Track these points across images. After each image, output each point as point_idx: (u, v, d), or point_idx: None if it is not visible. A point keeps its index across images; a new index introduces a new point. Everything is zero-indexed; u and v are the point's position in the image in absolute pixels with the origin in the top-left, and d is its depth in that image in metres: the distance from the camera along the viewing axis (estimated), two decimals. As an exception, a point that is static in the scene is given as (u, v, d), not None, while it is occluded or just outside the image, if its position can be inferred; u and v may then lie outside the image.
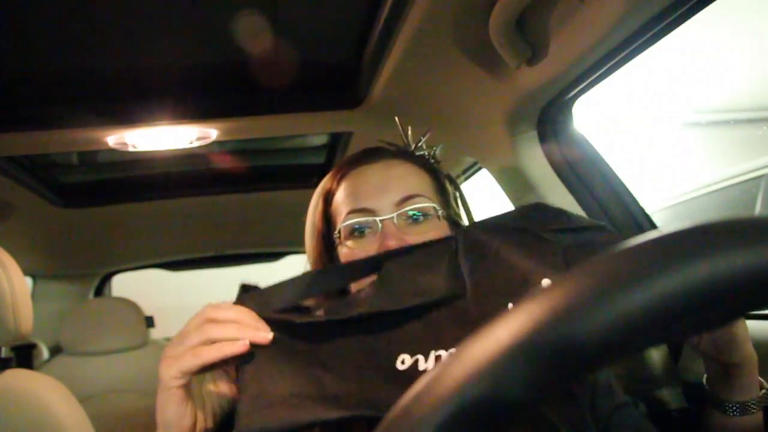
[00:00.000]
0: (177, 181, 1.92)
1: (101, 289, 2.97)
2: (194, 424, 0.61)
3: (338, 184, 0.82)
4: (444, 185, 0.84)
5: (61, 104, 1.22)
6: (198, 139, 1.38)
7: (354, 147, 1.60)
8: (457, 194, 0.87)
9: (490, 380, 0.22)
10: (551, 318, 0.22)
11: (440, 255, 0.69)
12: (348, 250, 0.78)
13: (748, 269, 0.22)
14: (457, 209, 0.85)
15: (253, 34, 1.05)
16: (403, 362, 0.63)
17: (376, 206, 0.77)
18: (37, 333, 2.20)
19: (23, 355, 1.86)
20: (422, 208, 0.77)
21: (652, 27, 0.81)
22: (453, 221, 0.82)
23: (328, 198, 0.84)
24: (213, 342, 0.60)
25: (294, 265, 2.89)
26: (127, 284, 3.07)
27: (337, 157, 1.75)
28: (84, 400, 1.59)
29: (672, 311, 0.22)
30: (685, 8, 0.77)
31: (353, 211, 0.78)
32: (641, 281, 0.22)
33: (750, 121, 4.41)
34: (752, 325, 0.94)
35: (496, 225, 0.69)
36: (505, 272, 0.64)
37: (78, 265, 2.73)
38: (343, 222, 0.78)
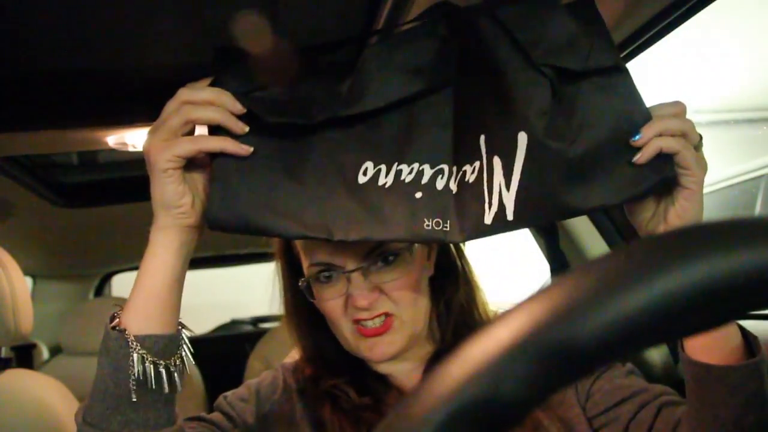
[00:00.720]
0: (177, 181, 1.92)
1: (101, 289, 2.97)
2: (193, 201, 0.62)
3: None
4: None
5: (61, 104, 1.22)
6: (198, 139, 1.38)
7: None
8: None
9: (490, 380, 0.22)
10: (551, 318, 0.22)
11: (425, 41, 0.64)
12: (318, 299, 0.75)
13: (749, 269, 0.22)
14: None
15: (253, 35, 1.04)
16: (365, 173, 0.61)
17: (338, 261, 0.72)
18: (37, 333, 2.20)
19: (23, 355, 1.86)
20: (392, 251, 0.71)
21: (652, 27, 0.81)
22: None
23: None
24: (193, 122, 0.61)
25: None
26: (127, 284, 3.06)
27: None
28: (84, 399, 1.58)
29: (672, 311, 0.22)
30: (685, 8, 0.77)
31: (315, 265, 0.73)
32: (641, 281, 0.22)
33: (750, 121, 4.41)
34: (752, 325, 0.94)
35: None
36: (496, 64, 0.59)
37: (78, 265, 2.73)
38: (308, 270, 0.74)
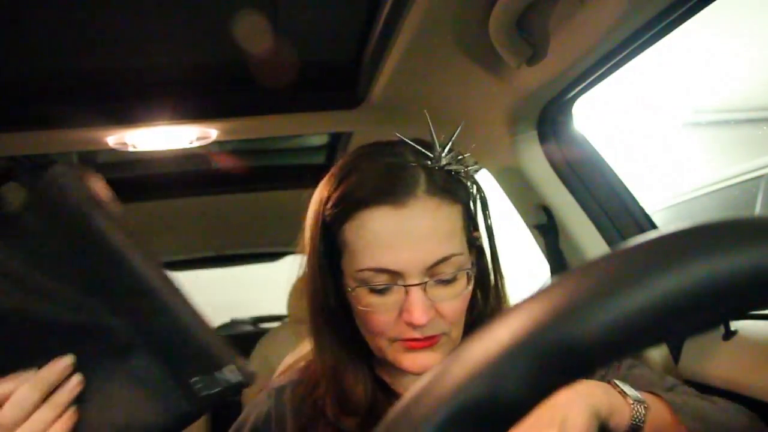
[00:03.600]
0: (177, 181, 1.92)
1: (101, 289, 2.97)
2: None
3: (349, 214, 0.66)
4: (470, 207, 0.72)
5: (61, 104, 1.22)
6: (198, 139, 1.38)
7: (354, 147, 1.60)
8: (480, 202, 0.74)
9: (490, 380, 0.22)
10: (551, 318, 0.22)
11: None
12: (359, 301, 0.68)
13: (749, 269, 0.22)
14: (475, 218, 0.74)
15: (253, 34, 1.05)
16: None
17: (403, 268, 0.64)
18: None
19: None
20: (455, 270, 0.66)
21: (652, 27, 0.81)
22: (475, 246, 0.72)
23: (331, 223, 0.69)
24: None
25: (294, 265, 2.88)
26: (127, 284, 3.06)
27: (337, 157, 1.75)
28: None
29: (672, 311, 0.22)
30: (685, 8, 0.77)
31: (373, 270, 0.65)
32: (641, 281, 0.22)
33: (750, 121, 4.41)
34: (752, 325, 0.94)
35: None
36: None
37: (78, 265, 2.72)
38: (358, 273, 0.66)
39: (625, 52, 0.88)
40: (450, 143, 0.71)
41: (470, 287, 0.69)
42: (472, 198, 0.72)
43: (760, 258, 0.22)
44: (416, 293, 0.65)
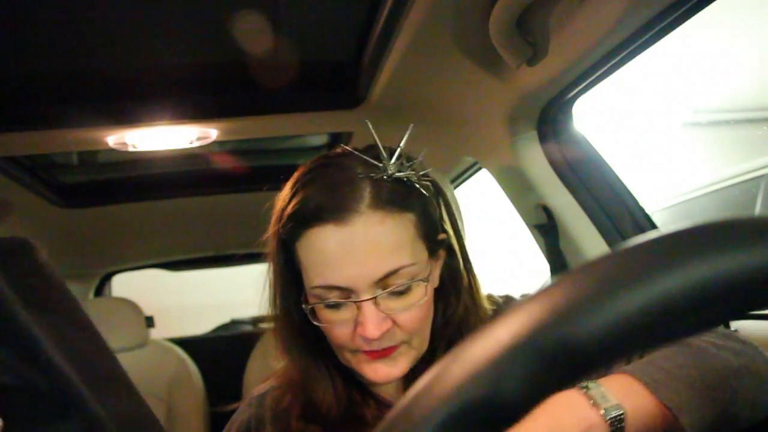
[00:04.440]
0: (177, 181, 1.92)
1: (101, 289, 2.97)
2: None
3: (298, 232, 0.66)
4: (428, 212, 0.70)
5: (61, 104, 1.22)
6: (198, 139, 1.38)
7: (354, 147, 1.60)
8: (443, 205, 0.74)
9: (490, 380, 0.22)
10: (551, 318, 0.22)
11: None
12: (323, 324, 0.68)
13: (748, 269, 0.22)
14: (444, 224, 0.73)
15: (253, 34, 1.05)
16: None
17: (352, 284, 0.64)
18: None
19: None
20: (407, 281, 0.66)
21: (652, 27, 0.81)
22: (439, 242, 0.71)
23: (287, 239, 0.69)
24: None
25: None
26: (127, 284, 3.07)
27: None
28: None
29: (672, 311, 0.22)
30: (685, 8, 0.77)
31: (323, 287, 0.65)
32: (641, 281, 0.22)
33: (750, 121, 4.41)
34: (752, 325, 0.94)
35: None
36: None
37: (78, 265, 2.73)
38: (312, 290, 0.67)
39: (625, 52, 0.88)
40: (399, 150, 0.70)
41: (427, 297, 0.68)
42: (428, 202, 0.70)
43: (760, 258, 0.22)
44: (368, 308, 0.65)
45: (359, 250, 0.64)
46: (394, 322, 0.67)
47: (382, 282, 0.65)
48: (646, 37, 0.84)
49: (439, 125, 1.32)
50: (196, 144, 1.40)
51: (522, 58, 0.94)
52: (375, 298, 0.65)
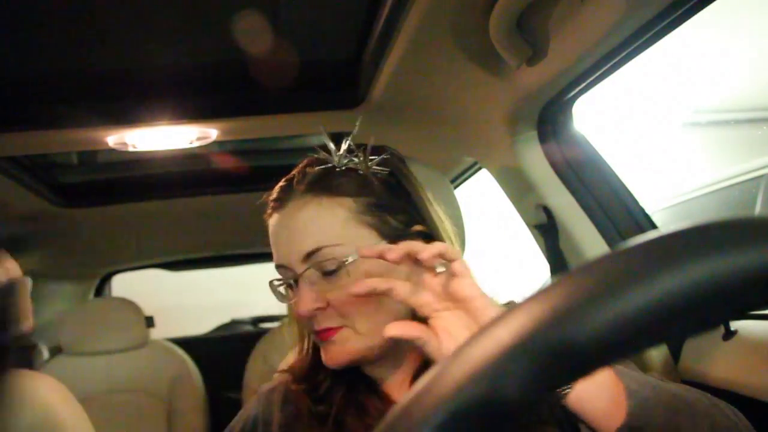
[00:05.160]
0: (177, 181, 1.92)
1: (101, 289, 2.97)
2: None
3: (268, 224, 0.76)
4: (379, 198, 0.72)
5: (61, 104, 1.22)
6: (198, 139, 1.38)
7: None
8: (425, 198, 0.75)
9: (490, 380, 0.22)
10: (551, 318, 0.22)
11: None
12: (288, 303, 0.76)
13: (748, 269, 0.22)
14: (427, 214, 0.74)
15: (253, 34, 1.05)
16: None
17: (287, 262, 0.71)
18: (37, 333, 2.21)
19: (23, 355, 1.86)
20: (330, 260, 0.69)
21: (652, 27, 0.81)
22: (412, 229, 0.72)
23: None
24: None
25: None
26: (127, 284, 3.07)
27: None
28: (84, 400, 1.58)
29: (672, 311, 0.22)
30: (685, 8, 0.77)
31: (276, 267, 0.74)
32: (641, 281, 0.22)
33: (750, 121, 4.41)
34: (752, 325, 0.94)
35: None
36: None
37: (78, 265, 2.73)
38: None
39: (625, 52, 0.88)
40: (347, 143, 0.78)
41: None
42: (379, 191, 0.73)
43: (760, 258, 0.22)
44: (300, 285, 0.70)
45: (288, 229, 0.71)
46: (329, 304, 0.70)
47: (309, 259, 0.69)
48: (646, 37, 0.84)
49: (439, 125, 1.32)
50: (196, 144, 1.40)
51: (522, 58, 0.94)
52: (302, 273, 0.70)
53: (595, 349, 0.22)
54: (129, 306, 2.28)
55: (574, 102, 1.13)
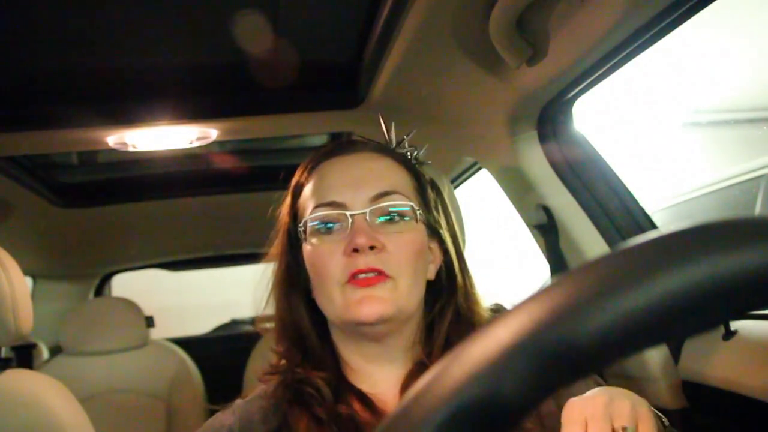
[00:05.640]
0: (177, 181, 1.92)
1: (101, 289, 2.97)
2: None
3: (308, 175, 0.76)
4: (425, 188, 0.78)
5: (61, 104, 1.22)
6: (198, 139, 1.38)
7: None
8: (438, 201, 0.79)
9: (490, 380, 0.22)
10: (551, 318, 0.22)
11: None
12: (312, 248, 0.72)
13: (748, 269, 0.22)
14: (437, 216, 0.78)
15: (253, 34, 1.05)
16: None
17: (348, 200, 0.71)
18: (37, 333, 2.21)
19: (23, 355, 1.86)
20: (399, 206, 0.71)
21: (652, 27, 0.81)
22: (432, 227, 0.76)
23: (296, 191, 0.78)
24: None
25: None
26: (127, 284, 3.07)
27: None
28: (84, 400, 1.58)
29: (672, 311, 0.22)
30: (685, 8, 0.77)
31: (321, 205, 0.72)
32: (641, 281, 0.22)
33: (750, 121, 4.41)
34: (752, 325, 0.94)
35: None
36: None
37: (78, 265, 2.73)
38: (309, 215, 0.72)
39: (625, 52, 0.88)
40: (405, 140, 0.81)
41: (418, 240, 0.72)
42: (423, 183, 0.78)
43: (760, 258, 0.22)
44: (359, 220, 0.70)
45: (359, 171, 0.73)
46: (384, 247, 0.70)
47: (375, 201, 0.71)
48: (646, 37, 0.84)
49: (439, 125, 1.32)
50: (196, 144, 1.40)
51: (522, 58, 0.94)
52: (366, 212, 0.70)
53: (595, 349, 0.22)
54: (129, 306, 2.28)
55: (574, 102, 1.13)
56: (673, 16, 0.79)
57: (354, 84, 1.25)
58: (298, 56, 1.15)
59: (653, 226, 1.17)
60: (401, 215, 0.71)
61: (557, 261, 1.24)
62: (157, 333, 2.46)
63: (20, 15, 0.94)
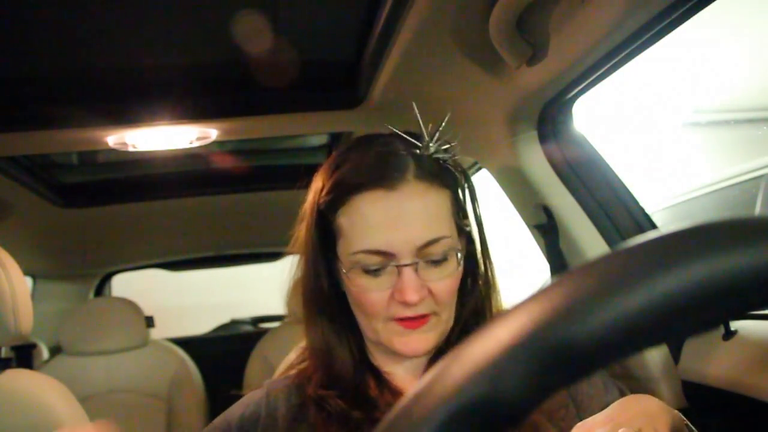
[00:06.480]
0: (177, 181, 1.92)
1: (101, 289, 2.97)
2: None
3: (342, 199, 0.70)
4: (458, 194, 0.75)
5: (61, 104, 1.22)
6: (198, 139, 1.38)
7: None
8: (468, 192, 0.77)
9: (490, 380, 0.22)
10: (551, 318, 0.22)
11: None
12: (355, 285, 0.70)
13: (748, 269, 0.22)
14: (466, 213, 0.77)
15: (253, 34, 1.05)
16: None
17: (396, 250, 0.67)
18: (37, 333, 2.21)
19: (23, 355, 1.86)
20: (446, 251, 0.69)
21: (652, 27, 0.81)
22: (464, 232, 0.75)
23: (326, 210, 0.72)
24: None
25: (293, 265, 2.88)
26: (127, 284, 3.07)
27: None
28: (84, 400, 1.58)
29: (672, 311, 0.22)
30: (684, 8, 0.77)
31: (367, 252, 0.68)
32: (641, 281, 0.22)
33: (750, 121, 4.41)
34: (752, 325, 0.94)
35: None
36: None
37: (78, 265, 2.73)
38: (352, 254, 0.69)
39: (625, 52, 0.88)
40: (437, 133, 0.74)
41: (460, 268, 0.72)
42: (459, 186, 0.75)
43: (760, 258, 0.22)
44: (408, 273, 0.68)
45: (405, 216, 0.68)
46: (429, 291, 0.69)
47: (423, 250, 0.68)
48: (646, 37, 0.84)
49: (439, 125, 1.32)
50: (196, 144, 1.40)
51: (522, 58, 0.94)
52: (416, 264, 0.68)
53: (595, 349, 0.22)
54: (129, 306, 2.28)
55: (574, 102, 1.13)
56: (673, 16, 0.79)
57: (354, 84, 1.25)
58: (298, 56, 1.15)
59: (653, 226, 1.17)
60: (445, 257, 0.70)
61: (557, 261, 1.24)
62: (157, 333, 2.46)
63: (20, 15, 0.94)
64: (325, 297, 0.76)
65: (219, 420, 0.78)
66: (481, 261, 0.78)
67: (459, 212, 0.74)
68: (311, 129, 1.60)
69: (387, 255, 0.68)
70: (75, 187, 1.89)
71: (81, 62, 1.12)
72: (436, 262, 0.69)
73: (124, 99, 1.23)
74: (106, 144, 1.34)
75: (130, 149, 1.38)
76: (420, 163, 0.70)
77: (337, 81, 1.26)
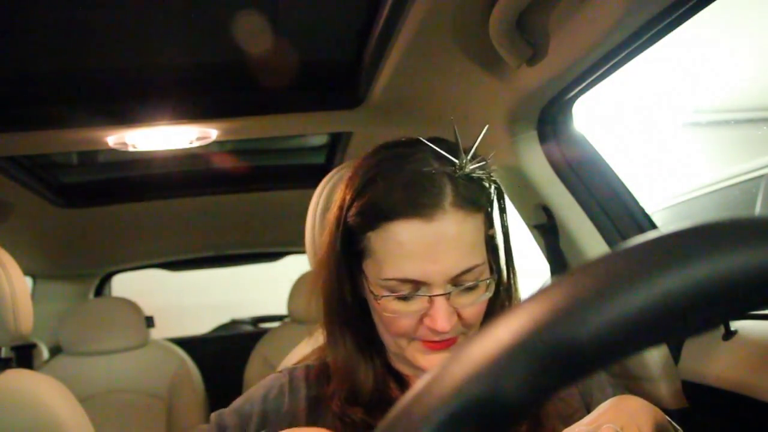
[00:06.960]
0: (177, 181, 1.92)
1: (101, 289, 2.97)
2: None
3: (375, 223, 0.68)
4: (490, 210, 0.73)
5: (61, 104, 1.22)
6: (198, 139, 1.38)
7: (354, 147, 1.60)
8: (498, 204, 0.75)
9: (490, 380, 0.22)
10: (552, 318, 0.22)
11: None
12: (383, 307, 0.69)
13: (748, 269, 0.22)
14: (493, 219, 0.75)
15: (253, 34, 1.05)
16: None
17: (429, 279, 0.66)
18: (37, 333, 2.21)
19: (23, 355, 1.86)
20: (479, 279, 0.69)
21: (652, 27, 0.81)
22: (492, 244, 0.74)
23: (355, 227, 0.70)
24: None
25: (294, 265, 2.89)
26: (127, 284, 3.07)
27: (337, 157, 1.75)
28: (84, 400, 1.59)
29: (672, 311, 0.22)
30: (685, 8, 0.77)
31: (398, 280, 0.67)
32: (641, 281, 0.22)
33: (750, 121, 4.41)
34: (752, 325, 0.94)
35: None
36: None
37: (78, 265, 2.73)
38: (384, 282, 0.68)
39: (625, 52, 0.88)
40: (473, 149, 0.73)
41: (490, 292, 0.71)
42: (492, 202, 0.73)
43: (761, 258, 0.22)
44: (440, 302, 0.67)
45: (441, 247, 0.65)
46: (459, 317, 0.69)
47: (456, 279, 0.67)
48: (646, 37, 0.84)
49: (439, 125, 1.32)
50: (196, 144, 1.40)
51: (522, 58, 0.94)
52: (448, 293, 0.67)
53: (595, 349, 0.22)
54: (129, 306, 2.28)
55: (574, 102, 1.13)
56: (673, 16, 0.79)
57: (354, 84, 1.25)
58: (298, 56, 1.15)
59: (653, 226, 1.17)
60: (477, 284, 0.69)
61: (557, 261, 1.24)
62: (157, 333, 2.46)
63: (20, 15, 0.94)
64: (348, 310, 0.75)
65: (240, 401, 0.77)
66: (505, 270, 0.77)
67: (490, 228, 0.73)
68: (311, 129, 1.60)
69: (419, 283, 0.67)
70: (75, 187, 1.89)
71: (81, 62, 1.12)
72: (468, 289, 0.68)
73: (124, 99, 1.23)
74: (106, 144, 1.34)
75: (130, 149, 1.38)
76: (456, 186, 0.67)
77: (337, 81, 1.26)
